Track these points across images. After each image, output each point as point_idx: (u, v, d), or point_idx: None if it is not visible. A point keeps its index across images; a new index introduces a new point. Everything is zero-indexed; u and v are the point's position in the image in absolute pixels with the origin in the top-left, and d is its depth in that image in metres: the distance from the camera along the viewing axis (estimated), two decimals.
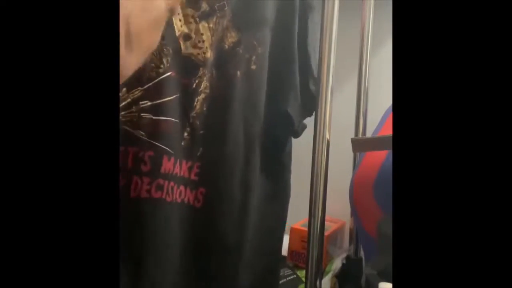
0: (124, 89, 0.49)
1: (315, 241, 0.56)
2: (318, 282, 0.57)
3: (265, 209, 0.62)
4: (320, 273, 0.58)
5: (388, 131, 0.60)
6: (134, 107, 0.50)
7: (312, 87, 0.63)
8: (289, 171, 0.64)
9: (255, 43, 0.57)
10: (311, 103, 0.62)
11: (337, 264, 0.84)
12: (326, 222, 0.58)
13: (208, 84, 0.55)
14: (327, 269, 0.84)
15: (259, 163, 0.60)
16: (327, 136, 0.56)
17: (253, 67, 0.57)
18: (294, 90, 0.61)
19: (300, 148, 0.68)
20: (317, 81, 0.58)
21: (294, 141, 0.65)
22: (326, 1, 0.54)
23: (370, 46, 0.69)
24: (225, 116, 0.56)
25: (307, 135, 0.63)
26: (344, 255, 0.75)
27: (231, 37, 0.56)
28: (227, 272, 0.58)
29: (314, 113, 0.61)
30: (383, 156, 0.56)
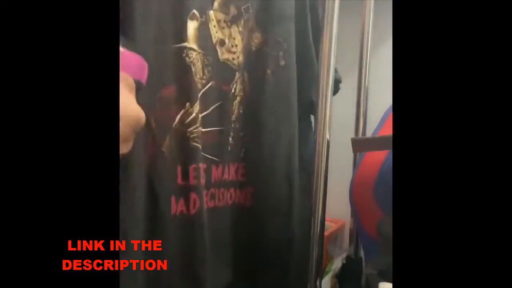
0: (188, 103, 0.49)
1: (315, 241, 0.56)
2: (318, 282, 0.57)
3: (303, 201, 0.63)
4: (320, 273, 0.58)
5: (388, 131, 0.60)
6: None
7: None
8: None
9: (280, 39, 0.58)
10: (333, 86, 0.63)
11: (337, 264, 0.84)
12: (326, 222, 0.58)
13: (241, 87, 0.56)
14: (327, 269, 0.84)
15: (297, 156, 0.61)
16: (327, 136, 0.56)
17: (282, 62, 0.59)
18: (315, 78, 0.61)
19: None
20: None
21: None
22: (326, 1, 0.54)
23: (370, 45, 0.68)
24: (261, 115, 0.57)
25: None
26: (344, 255, 0.75)
27: (256, 38, 0.58)
28: (278, 266, 0.60)
29: (314, 114, 0.61)
30: (383, 156, 0.55)
